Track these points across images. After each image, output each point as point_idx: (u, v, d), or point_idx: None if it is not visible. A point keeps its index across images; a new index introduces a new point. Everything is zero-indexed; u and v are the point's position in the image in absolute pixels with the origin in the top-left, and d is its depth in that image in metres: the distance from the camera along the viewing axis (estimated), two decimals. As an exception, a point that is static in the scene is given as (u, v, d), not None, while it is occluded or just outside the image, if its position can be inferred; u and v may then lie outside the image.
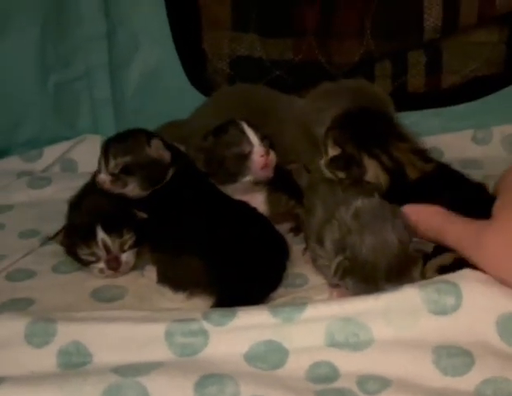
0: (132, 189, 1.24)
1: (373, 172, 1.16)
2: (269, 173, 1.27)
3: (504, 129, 1.71)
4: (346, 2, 1.68)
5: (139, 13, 1.68)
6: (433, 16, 1.65)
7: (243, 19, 1.72)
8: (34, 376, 0.88)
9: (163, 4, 1.67)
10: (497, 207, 0.98)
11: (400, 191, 1.15)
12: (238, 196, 1.26)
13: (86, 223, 1.18)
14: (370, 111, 1.25)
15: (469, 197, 1.13)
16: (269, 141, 1.28)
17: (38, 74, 1.71)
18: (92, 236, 1.16)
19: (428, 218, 1.04)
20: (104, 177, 1.23)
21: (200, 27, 1.73)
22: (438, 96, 1.75)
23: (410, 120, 1.67)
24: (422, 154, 1.20)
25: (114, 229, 1.17)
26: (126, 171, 1.22)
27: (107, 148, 1.25)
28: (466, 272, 0.95)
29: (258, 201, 1.29)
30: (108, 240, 1.16)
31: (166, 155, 1.26)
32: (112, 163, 1.23)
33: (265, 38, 1.73)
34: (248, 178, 1.26)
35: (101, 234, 1.16)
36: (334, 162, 1.19)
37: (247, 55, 1.74)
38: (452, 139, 1.68)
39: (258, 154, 1.24)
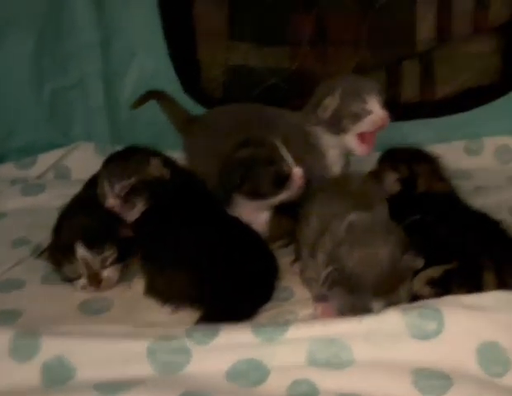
0: (140, 208, 1.25)
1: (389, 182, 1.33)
2: (300, 192, 1.28)
3: (497, 141, 1.71)
4: (341, 13, 1.69)
5: (134, 22, 1.69)
6: (426, 27, 1.66)
7: (239, 27, 1.74)
8: (16, 391, 0.90)
9: (157, 13, 1.68)
10: None
11: (408, 201, 1.27)
12: (244, 214, 1.27)
13: (67, 240, 1.18)
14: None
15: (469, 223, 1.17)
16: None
17: (33, 82, 1.72)
18: (73, 253, 1.17)
19: None
20: (112, 202, 1.24)
21: (194, 36, 1.74)
22: (432, 107, 1.76)
23: (403, 130, 1.69)
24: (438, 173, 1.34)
25: (94, 246, 1.17)
26: (133, 192, 1.24)
27: (110, 172, 1.26)
28: (449, 298, 0.97)
29: (262, 220, 1.31)
30: (88, 256, 1.17)
31: (165, 172, 1.28)
32: (118, 187, 1.24)
33: (261, 46, 1.74)
34: (279, 197, 1.27)
35: (80, 251, 1.17)
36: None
37: (242, 64, 1.75)
38: (445, 149, 1.66)
39: (297, 175, 1.26)
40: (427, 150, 1.42)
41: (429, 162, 1.36)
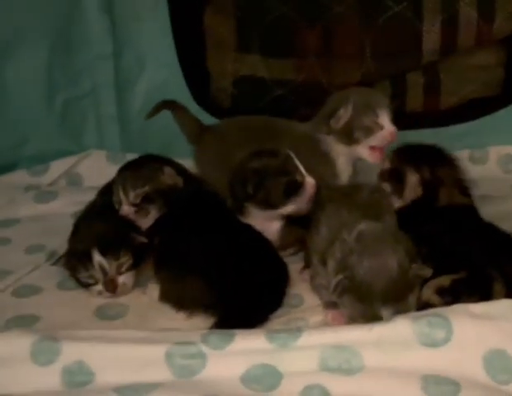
0: (153, 216, 1.29)
1: (412, 184, 1.31)
2: (310, 204, 1.30)
3: (501, 150, 1.75)
4: (346, 26, 1.72)
5: (146, 34, 1.73)
6: (431, 39, 1.69)
7: (246, 40, 1.77)
8: (37, 394, 0.93)
9: (168, 25, 1.72)
10: None
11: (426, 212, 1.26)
12: (256, 223, 1.29)
13: (83, 247, 1.21)
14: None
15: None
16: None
17: (46, 92, 1.76)
18: (89, 259, 1.20)
19: None
20: (127, 209, 1.28)
21: (204, 48, 1.78)
22: (436, 117, 1.79)
23: (407, 139, 1.71)
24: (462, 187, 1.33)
25: (110, 252, 1.21)
26: (147, 200, 1.28)
27: (124, 180, 1.30)
28: (457, 307, 0.99)
29: (273, 229, 1.33)
30: (104, 263, 1.20)
31: (179, 181, 1.32)
32: (132, 194, 1.28)
33: (268, 58, 1.77)
34: (292, 207, 1.30)
35: (97, 257, 1.20)
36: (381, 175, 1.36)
37: (250, 75, 1.79)
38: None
39: (310, 185, 1.29)
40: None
41: (450, 164, 1.35)
